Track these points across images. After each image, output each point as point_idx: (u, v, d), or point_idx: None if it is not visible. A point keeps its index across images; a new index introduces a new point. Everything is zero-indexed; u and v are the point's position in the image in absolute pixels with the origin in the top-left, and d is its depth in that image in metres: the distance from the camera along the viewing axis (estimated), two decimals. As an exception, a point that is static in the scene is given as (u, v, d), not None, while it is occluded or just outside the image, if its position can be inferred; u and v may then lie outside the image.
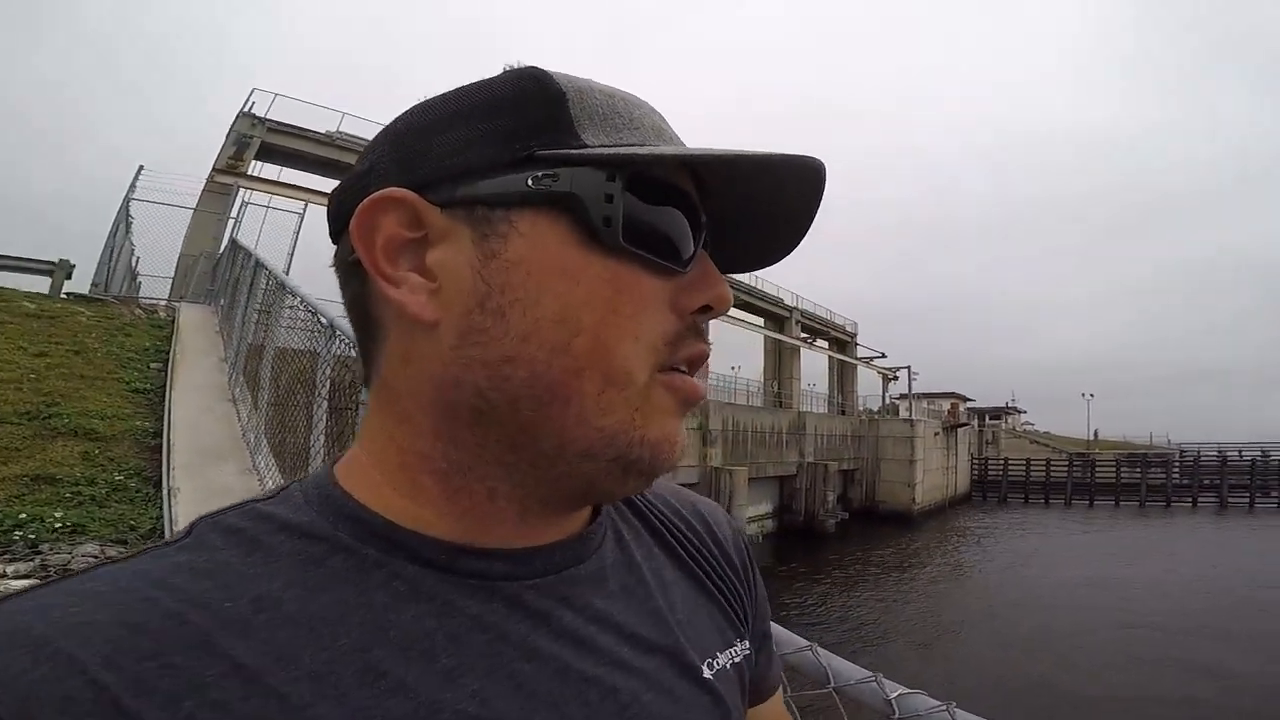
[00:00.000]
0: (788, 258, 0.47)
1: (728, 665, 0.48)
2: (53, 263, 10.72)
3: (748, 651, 0.52)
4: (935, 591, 16.42)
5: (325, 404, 3.46)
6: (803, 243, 0.45)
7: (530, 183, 0.36)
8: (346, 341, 3.27)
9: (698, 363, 0.41)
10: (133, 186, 14.19)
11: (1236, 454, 36.26)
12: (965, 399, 48.70)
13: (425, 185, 0.37)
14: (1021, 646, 11.64)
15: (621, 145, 0.38)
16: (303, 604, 0.33)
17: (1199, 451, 38.39)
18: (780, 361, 30.60)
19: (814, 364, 34.95)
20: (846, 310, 37.45)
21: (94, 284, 12.47)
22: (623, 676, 0.40)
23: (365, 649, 0.33)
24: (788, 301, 30.71)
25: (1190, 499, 32.38)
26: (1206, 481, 33.24)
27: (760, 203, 0.42)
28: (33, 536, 3.91)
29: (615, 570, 0.45)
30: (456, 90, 0.39)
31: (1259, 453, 34.97)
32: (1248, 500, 31.46)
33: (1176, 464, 35.89)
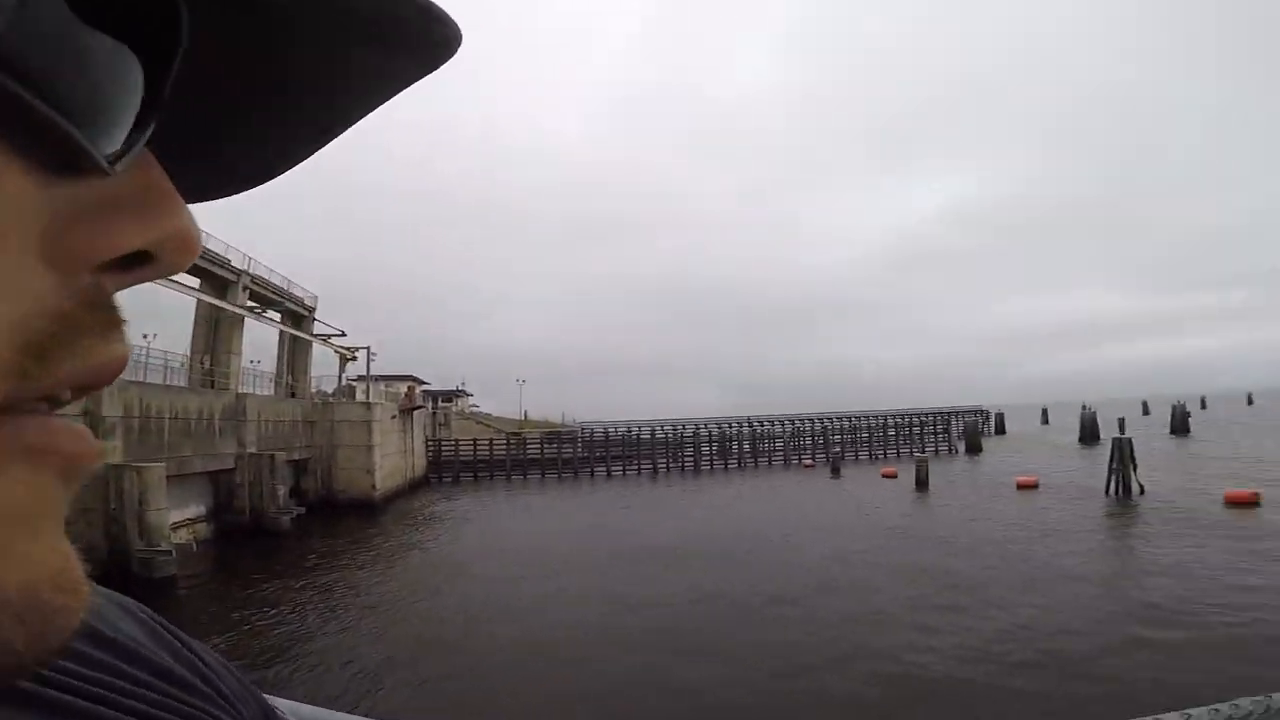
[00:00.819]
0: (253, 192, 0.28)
1: None
2: None
3: None
4: (400, 578, 15.79)
5: None
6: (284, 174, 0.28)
7: None
8: None
9: (101, 380, 0.20)
10: None
11: (614, 430, 48.39)
12: (421, 382, 50.17)
13: None
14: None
15: None
16: None
17: (593, 430, 49.62)
18: (217, 333, 24.83)
19: (260, 338, 29.74)
20: (306, 283, 33.15)
21: None
22: None
23: None
24: (237, 263, 25.18)
25: (589, 468, 41.13)
26: (599, 453, 42.83)
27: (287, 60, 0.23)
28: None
29: None
30: None
31: (627, 429, 47.39)
32: (622, 468, 42.00)
33: (580, 439, 45.13)
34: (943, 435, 46.72)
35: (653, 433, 46.61)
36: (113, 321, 0.19)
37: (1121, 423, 33.38)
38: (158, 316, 25.46)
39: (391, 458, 30.28)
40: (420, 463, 36.00)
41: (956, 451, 44.04)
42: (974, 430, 46.54)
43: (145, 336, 23.40)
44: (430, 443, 39.27)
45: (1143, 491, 21.62)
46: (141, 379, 18.58)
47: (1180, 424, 49.63)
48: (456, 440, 40.53)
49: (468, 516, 25.54)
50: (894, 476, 30.92)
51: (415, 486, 33.47)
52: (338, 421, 27.94)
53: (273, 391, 28.69)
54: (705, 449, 43.97)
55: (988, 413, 67.42)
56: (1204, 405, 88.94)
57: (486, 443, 40.68)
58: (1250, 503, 18.71)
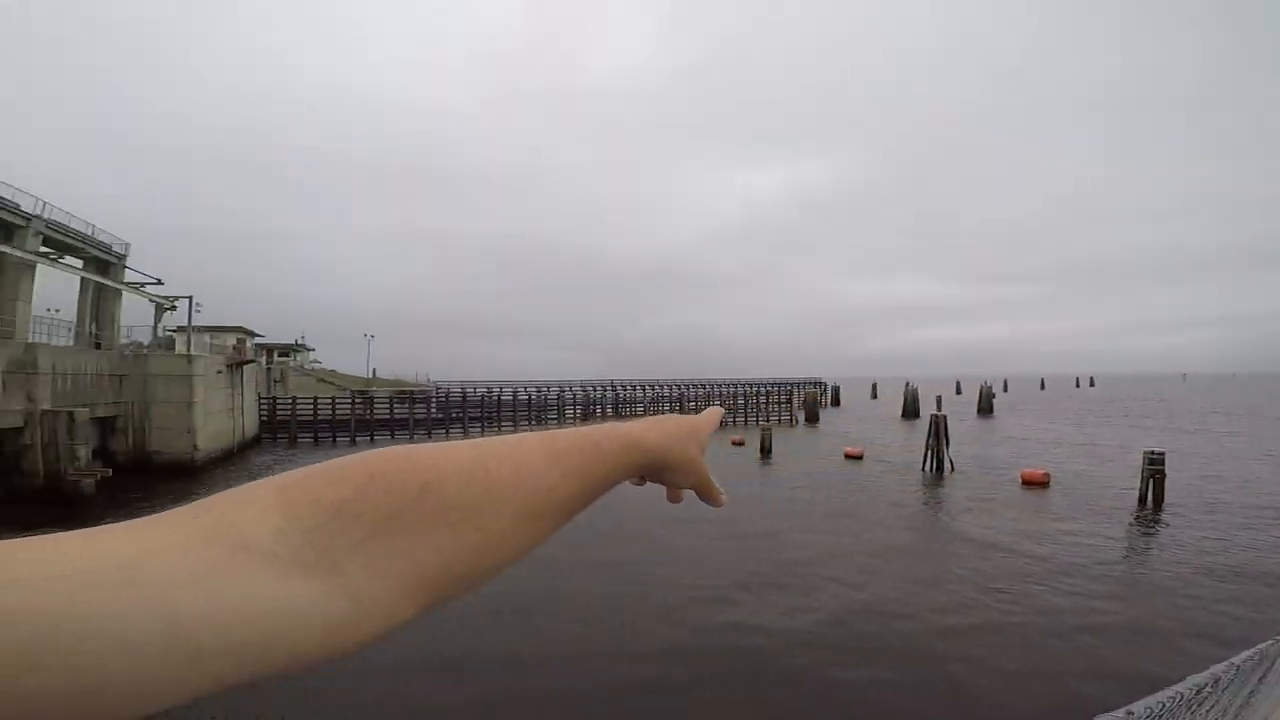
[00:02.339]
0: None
1: None
2: None
3: None
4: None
5: None
6: None
7: None
8: None
9: None
10: None
11: (473, 391, 47.13)
12: (253, 334, 45.53)
13: None
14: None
15: None
16: None
17: (449, 390, 47.97)
18: (2, 280, 21.34)
19: (63, 288, 25.94)
20: (123, 232, 28.99)
21: None
22: None
23: None
24: (27, 207, 21.96)
25: (444, 429, 39.95)
26: (455, 414, 41.68)
27: None
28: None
29: None
30: None
31: (487, 390, 46.38)
32: (481, 426, 41.28)
33: (434, 399, 43.57)
34: (784, 405, 50.67)
35: (514, 394, 46.05)
36: None
37: (939, 400, 37.94)
38: None
39: (217, 416, 27.48)
40: (252, 422, 32.93)
41: (797, 422, 48.00)
42: (813, 402, 50.91)
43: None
44: (264, 400, 36.05)
45: (953, 469, 24.73)
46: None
47: (986, 404, 57.46)
48: (294, 398, 37.46)
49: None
50: (742, 444, 33.15)
51: (245, 448, 30.67)
52: (153, 375, 24.80)
53: (73, 342, 24.82)
54: (570, 411, 44.37)
55: (825, 385, 73.96)
56: (1006, 388, 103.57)
57: (329, 401, 38.10)
58: (1042, 483, 21.33)
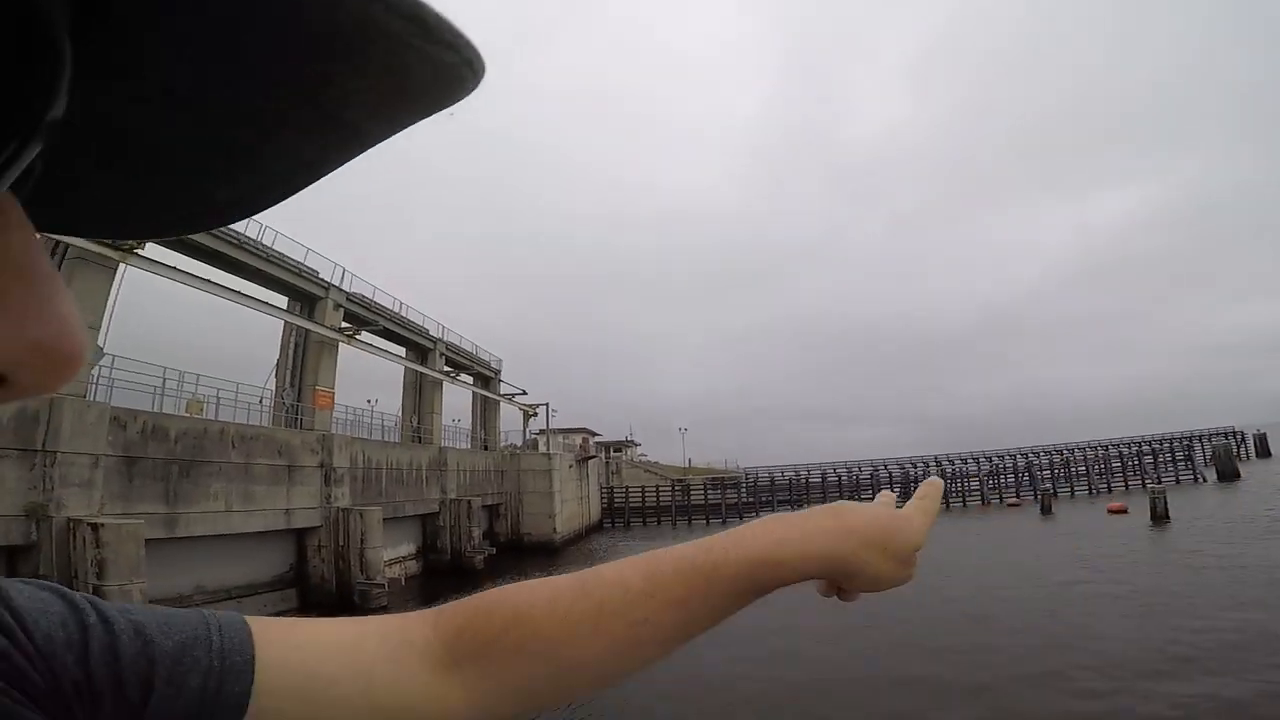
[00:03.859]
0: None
1: None
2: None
3: None
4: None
5: None
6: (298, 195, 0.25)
7: None
8: None
9: None
10: None
11: (780, 475, 47.03)
12: (594, 433, 52.89)
13: None
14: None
15: None
16: None
17: (758, 475, 48.68)
18: (421, 396, 28.58)
19: (457, 399, 33.71)
20: (489, 345, 36.97)
21: None
22: None
23: None
24: (433, 332, 29.04)
25: (755, 512, 40.30)
26: (765, 498, 41.92)
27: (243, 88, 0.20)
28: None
29: None
30: None
31: (795, 473, 45.86)
32: (790, 505, 40.66)
33: (744, 485, 44.49)
34: (1184, 462, 39.32)
35: (823, 475, 44.51)
36: None
37: None
38: (374, 383, 30.30)
39: (570, 503, 32.09)
40: (596, 508, 37.70)
41: (1204, 479, 36.82)
42: (1226, 453, 38.65)
43: (369, 401, 27.70)
44: (604, 489, 41.04)
45: None
46: (365, 436, 21.89)
47: None
48: (627, 487, 41.92)
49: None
50: (1124, 512, 26.55)
51: (591, 530, 35.10)
52: (523, 471, 30.37)
53: (469, 445, 31.97)
54: (886, 488, 41.14)
55: (1242, 433, 55.61)
56: None
57: (653, 490, 41.63)
58: None
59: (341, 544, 16.78)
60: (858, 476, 43.66)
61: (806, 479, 44.26)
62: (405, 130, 0.23)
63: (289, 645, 0.43)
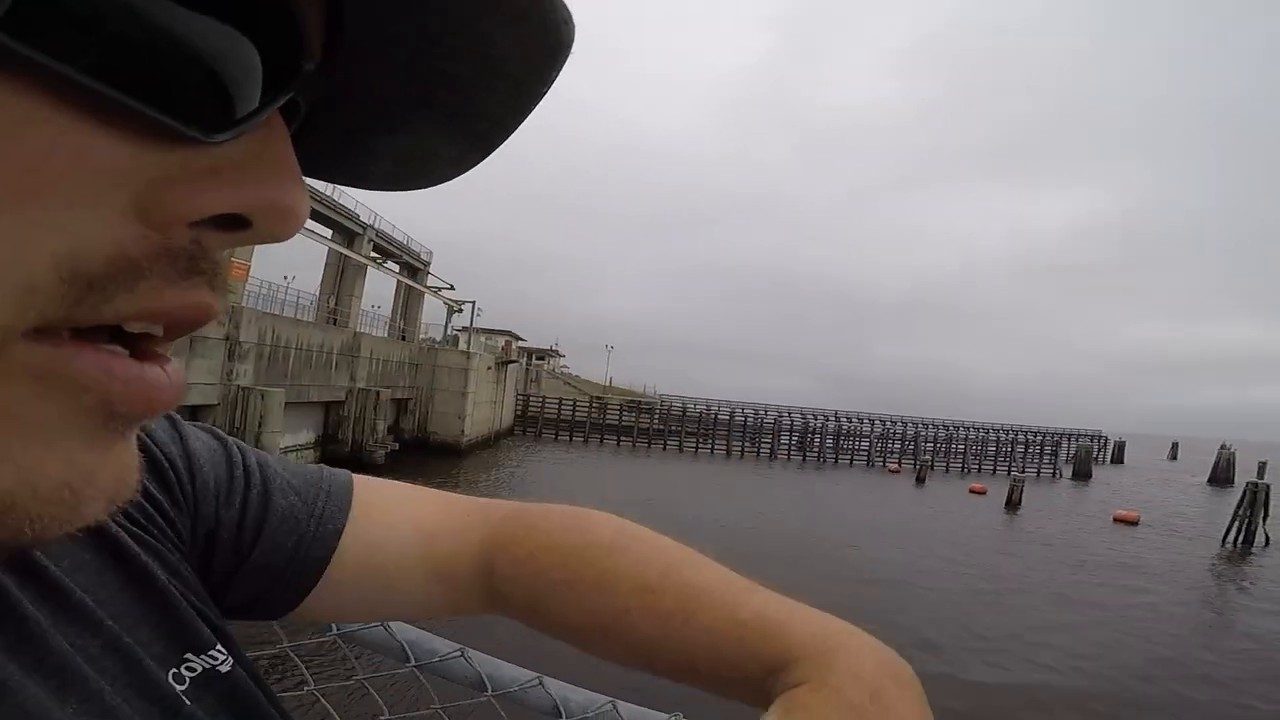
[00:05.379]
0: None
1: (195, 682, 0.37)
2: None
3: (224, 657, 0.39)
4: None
5: None
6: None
7: None
8: None
9: (177, 325, 0.22)
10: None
11: (692, 406, 48.80)
12: (519, 338, 52.54)
13: None
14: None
15: None
16: None
17: (672, 404, 50.24)
18: (343, 278, 27.58)
19: (381, 288, 32.55)
20: (426, 240, 35.67)
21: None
22: None
23: None
24: (364, 217, 27.82)
25: (662, 442, 41.93)
26: (674, 427, 43.54)
27: (431, 63, 0.24)
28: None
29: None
30: None
31: (705, 406, 47.69)
32: (695, 445, 42.57)
33: (659, 411, 45.93)
34: (1048, 457, 43.62)
35: (731, 414, 46.48)
36: (195, 271, 0.21)
37: (1262, 467, 29.61)
38: (294, 265, 28.81)
39: (483, 406, 32.15)
40: (508, 415, 37.99)
41: (1060, 475, 41.12)
42: (1085, 455, 43.12)
43: (285, 278, 26.30)
44: (520, 396, 41.28)
45: (1267, 543, 19.52)
46: (277, 312, 20.89)
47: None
48: (544, 397, 42.38)
49: (530, 476, 26.85)
50: (982, 493, 29.47)
51: (499, 437, 35.45)
52: (439, 367, 29.78)
53: (386, 334, 31.13)
54: (785, 438, 43.49)
55: (1106, 438, 61.94)
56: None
57: (571, 404, 42.30)
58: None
59: (238, 426, 16.36)
60: (762, 420, 45.83)
61: (716, 414, 46.22)
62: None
63: (381, 526, 0.50)
